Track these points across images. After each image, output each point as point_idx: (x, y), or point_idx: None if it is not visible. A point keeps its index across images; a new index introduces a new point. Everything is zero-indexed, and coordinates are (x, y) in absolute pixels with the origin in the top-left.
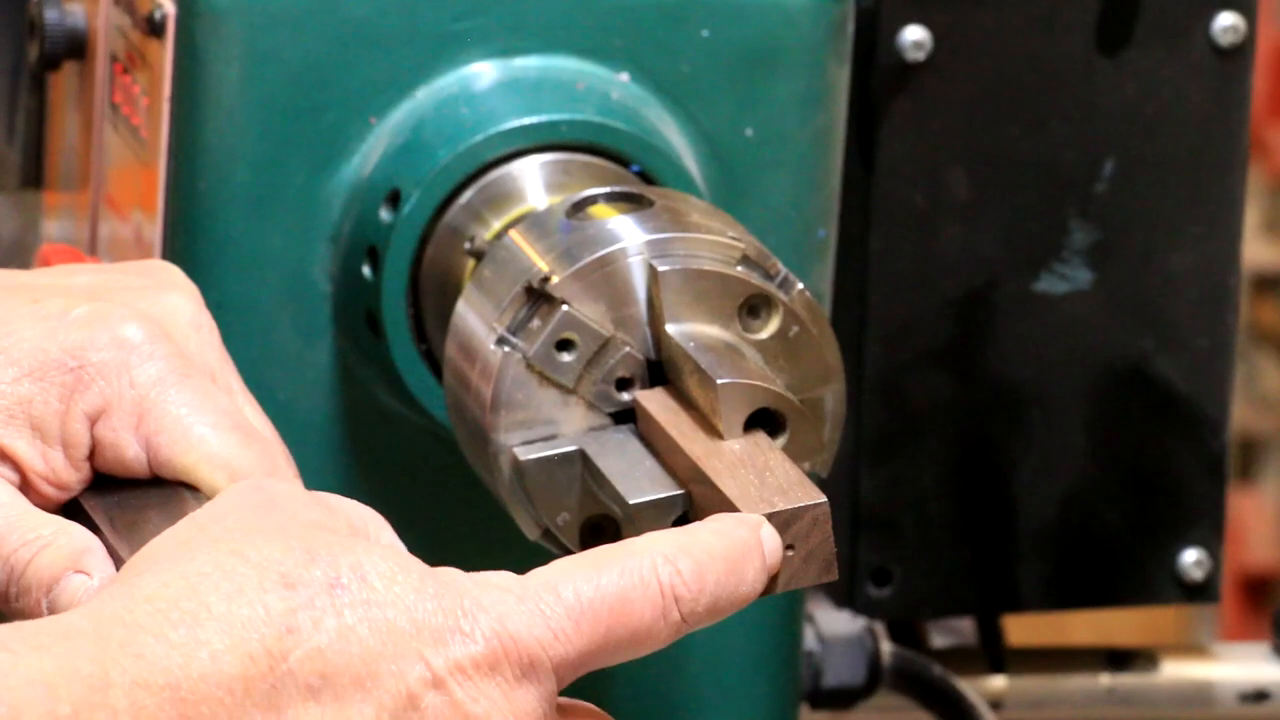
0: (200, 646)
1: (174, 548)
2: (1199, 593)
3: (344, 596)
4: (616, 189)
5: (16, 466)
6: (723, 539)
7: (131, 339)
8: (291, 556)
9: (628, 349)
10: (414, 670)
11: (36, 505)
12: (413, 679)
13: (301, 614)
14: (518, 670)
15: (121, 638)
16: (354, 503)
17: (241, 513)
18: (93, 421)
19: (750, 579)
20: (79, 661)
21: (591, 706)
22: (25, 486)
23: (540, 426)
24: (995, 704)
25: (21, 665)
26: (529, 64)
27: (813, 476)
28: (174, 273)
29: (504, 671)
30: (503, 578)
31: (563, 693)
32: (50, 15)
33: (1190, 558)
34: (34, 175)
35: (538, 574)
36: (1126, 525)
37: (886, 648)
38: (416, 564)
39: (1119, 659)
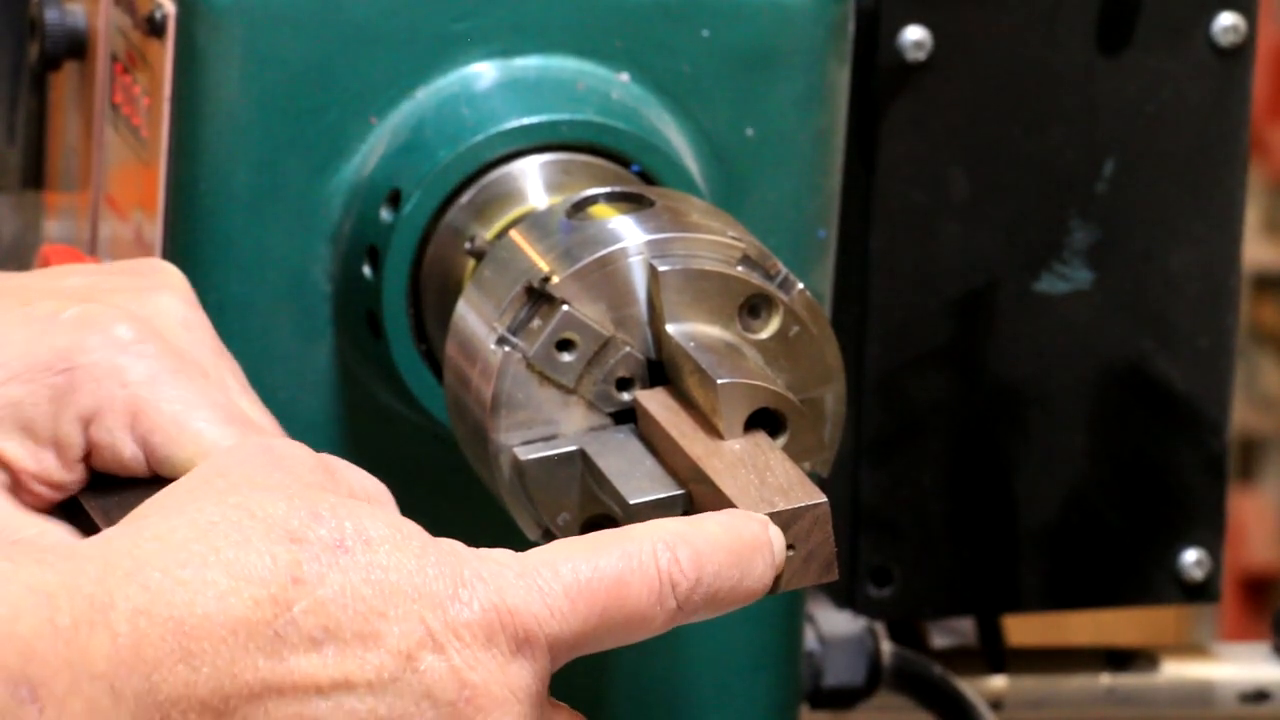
0: (207, 586)
1: (181, 495)
2: (1199, 593)
3: (347, 558)
4: (617, 189)
5: (6, 467)
6: (729, 532)
7: (122, 338)
8: (296, 515)
9: (628, 349)
10: (415, 631)
11: (31, 505)
12: (413, 639)
13: (307, 566)
14: (513, 644)
15: (128, 568)
16: (362, 472)
17: (247, 468)
18: (86, 423)
19: (757, 574)
20: (82, 580)
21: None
22: (17, 487)
23: (540, 426)
24: (995, 704)
25: (23, 573)
26: (529, 64)
27: (813, 476)
28: (167, 272)
29: (500, 644)
30: (502, 554)
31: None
32: (51, 15)
33: (1190, 558)
34: (34, 175)
35: (537, 552)
36: (1126, 525)
37: (887, 648)
38: (418, 531)
39: (1119, 659)
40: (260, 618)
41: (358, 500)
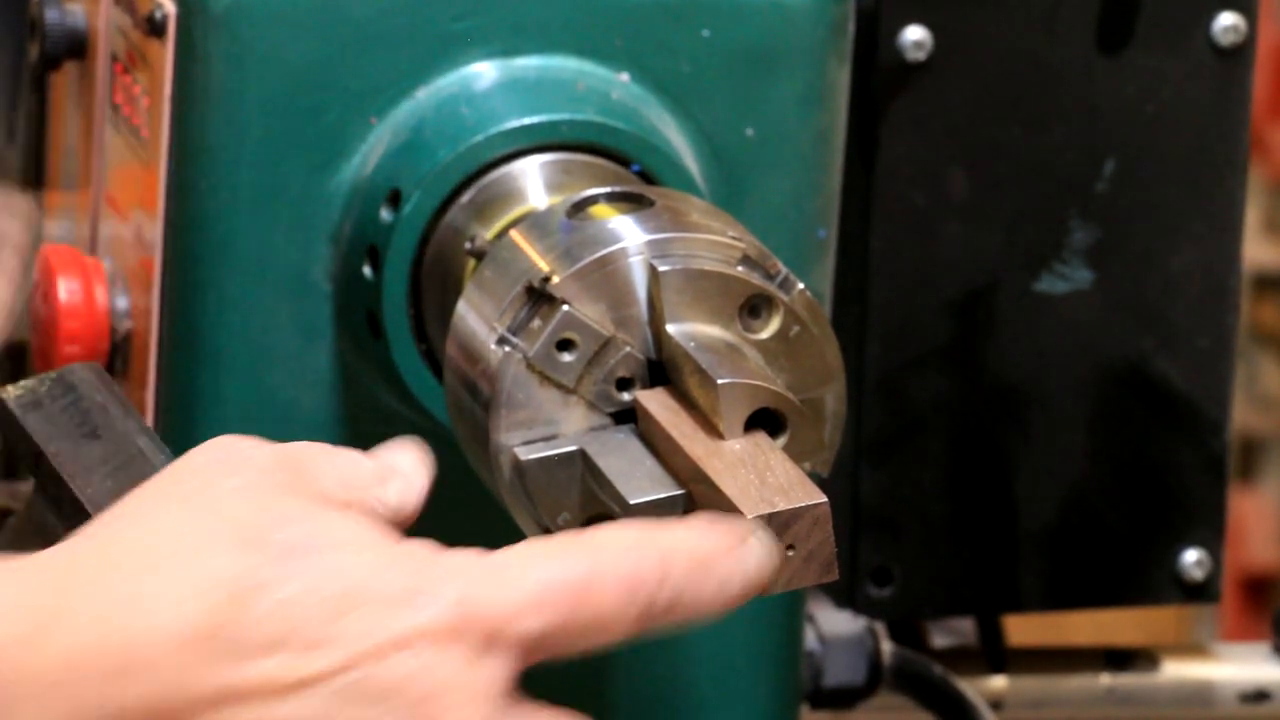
0: (163, 593)
1: (142, 501)
2: (1199, 593)
3: (306, 560)
4: (617, 189)
5: None
6: (698, 537)
7: None
8: (256, 520)
9: (628, 349)
10: (378, 630)
11: None
12: (377, 638)
13: (264, 570)
14: (480, 643)
15: (88, 576)
16: (343, 460)
17: (209, 472)
18: None
19: (720, 579)
20: (31, 593)
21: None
22: None
23: (541, 426)
24: (995, 704)
25: None
26: (529, 64)
27: (813, 476)
28: None
29: (466, 642)
30: (469, 553)
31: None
32: (51, 15)
33: (1190, 558)
34: (34, 175)
35: (504, 551)
36: (1126, 525)
37: (887, 647)
38: (381, 536)
39: (1119, 659)
40: (215, 623)
41: (325, 499)
